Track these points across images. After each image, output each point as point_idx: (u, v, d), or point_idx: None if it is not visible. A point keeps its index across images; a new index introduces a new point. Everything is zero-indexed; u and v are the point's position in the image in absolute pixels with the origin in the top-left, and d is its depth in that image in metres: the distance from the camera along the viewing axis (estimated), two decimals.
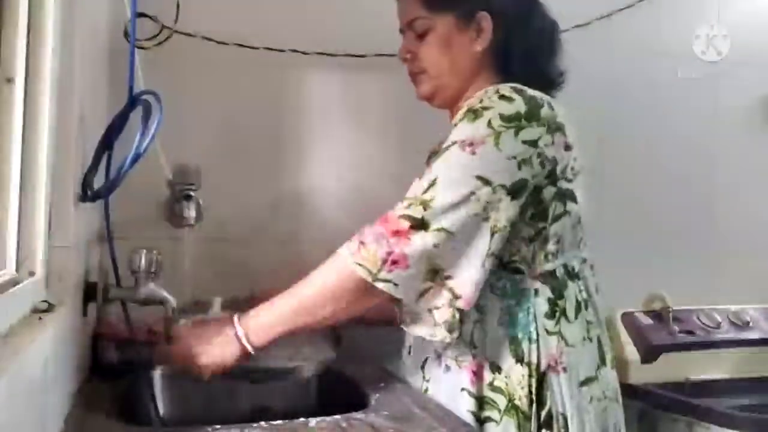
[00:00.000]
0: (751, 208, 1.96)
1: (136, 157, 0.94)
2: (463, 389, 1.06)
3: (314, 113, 1.61)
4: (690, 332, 1.79)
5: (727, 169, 1.96)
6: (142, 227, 1.43)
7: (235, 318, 1.03)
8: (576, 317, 1.08)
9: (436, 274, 0.98)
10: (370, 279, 0.97)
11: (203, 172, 1.48)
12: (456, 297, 0.98)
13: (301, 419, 0.95)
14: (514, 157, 1.00)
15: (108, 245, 1.07)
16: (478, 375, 1.05)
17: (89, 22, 1.06)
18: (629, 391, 1.57)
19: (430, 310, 1.00)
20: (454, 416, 1.01)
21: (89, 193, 0.98)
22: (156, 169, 1.36)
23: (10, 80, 0.75)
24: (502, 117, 1.01)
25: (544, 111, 1.04)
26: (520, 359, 1.05)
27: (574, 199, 1.08)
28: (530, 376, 1.04)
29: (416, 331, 1.05)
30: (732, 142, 1.96)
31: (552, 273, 1.08)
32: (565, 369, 1.05)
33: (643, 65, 1.85)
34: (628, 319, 1.80)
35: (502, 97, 1.04)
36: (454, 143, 1.02)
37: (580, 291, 1.10)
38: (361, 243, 0.99)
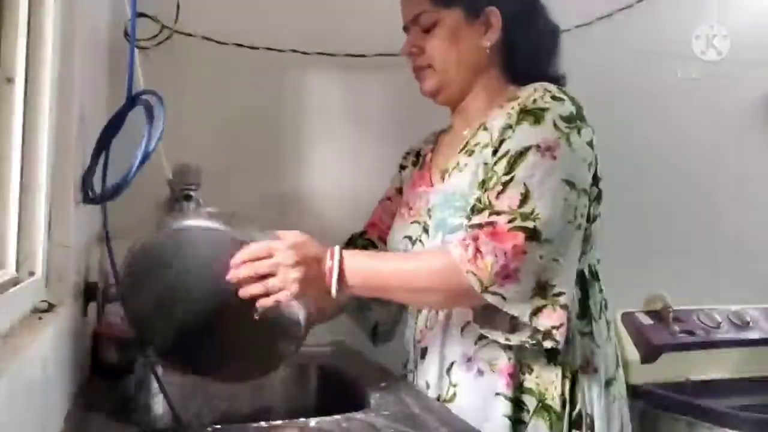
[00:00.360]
0: (752, 208, 1.97)
1: (144, 158, 0.93)
2: (498, 393, 1.03)
3: (314, 113, 1.61)
4: (690, 332, 1.79)
5: (727, 168, 1.96)
6: (142, 227, 1.43)
7: (336, 251, 0.98)
8: (600, 317, 1.09)
9: (544, 289, 0.96)
10: (479, 290, 0.94)
11: (203, 172, 1.48)
12: (567, 310, 0.96)
13: (301, 419, 0.95)
14: (585, 159, 1.01)
15: (108, 245, 1.06)
16: (513, 377, 1.03)
17: (89, 22, 1.06)
18: (630, 391, 1.56)
19: (549, 332, 0.95)
20: (454, 416, 1.00)
21: (91, 194, 0.98)
22: (156, 169, 1.36)
23: (10, 80, 0.75)
24: (563, 118, 1.00)
25: (585, 111, 1.04)
26: (553, 359, 1.03)
27: (600, 200, 1.08)
28: (564, 376, 1.03)
29: (491, 335, 1.02)
30: (732, 142, 1.97)
31: (581, 274, 1.07)
32: (596, 370, 1.06)
33: (643, 65, 1.85)
34: (628, 319, 1.80)
35: (554, 97, 1.02)
36: (527, 149, 0.99)
37: (600, 291, 1.11)
38: (478, 251, 0.95)
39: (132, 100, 1.00)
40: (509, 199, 0.97)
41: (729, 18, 1.94)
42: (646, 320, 1.80)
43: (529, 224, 0.95)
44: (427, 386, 1.11)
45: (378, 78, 1.61)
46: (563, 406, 1.02)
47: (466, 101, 1.14)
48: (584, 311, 1.07)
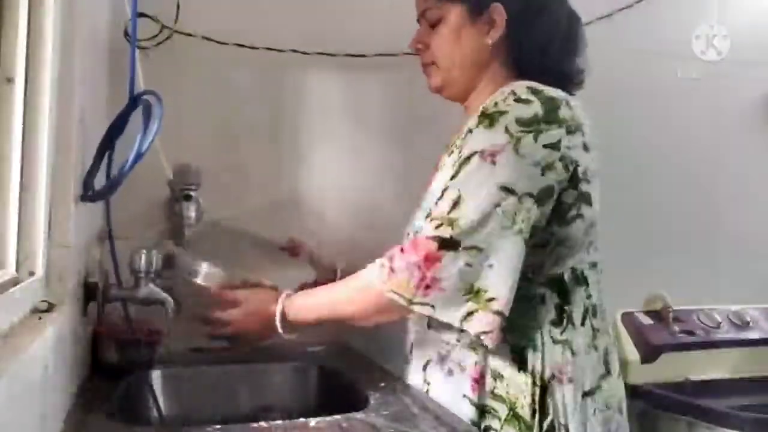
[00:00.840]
0: (752, 208, 1.97)
1: (138, 157, 0.94)
2: (464, 396, 1.03)
3: (314, 113, 1.61)
4: (690, 332, 1.79)
5: (727, 168, 1.96)
6: (142, 227, 1.43)
7: (282, 297, 1.11)
8: (582, 324, 1.04)
9: (477, 294, 0.94)
10: (406, 304, 0.96)
11: (203, 172, 1.48)
12: (504, 319, 0.95)
13: (301, 419, 0.95)
14: (538, 163, 0.97)
15: (108, 245, 1.07)
16: (479, 382, 1.02)
17: (89, 22, 1.06)
18: (630, 391, 1.57)
19: (478, 336, 0.96)
20: (453, 416, 1.00)
21: (90, 192, 0.98)
22: (156, 169, 1.36)
23: (10, 80, 0.75)
24: (519, 121, 0.98)
25: (563, 111, 1.00)
26: (523, 367, 1.01)
27: (589, 202, 1.04)
28: (534, 384, 1.00)
29: (463, 338, 1.03)
30: (732, 142, 1.97)
31: (560, 278, 1.04)
32: (570, 380, 1.01)
33: (643, 65, 1.85)
34: (628, 319, 1.80)
35: (518, 99, 1.00)
36: (473, 154, 0.98)
37: (588, 297, 1.06)
38: (391, 270, 0.97)
39: (134, 101, 1.00)
40: (444, 205, 0.97)
41: (729, 18, 1.94)
42: (646, 320, 1.80)
43: (446, 232, 0.95)
44: (412, 380, 1.15)
45: (378, 78, 1.61)
46: (533, 415, 0.99)
47: (471, 98, 1.13)
48: (561, 318, 1.03)
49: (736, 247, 1.94)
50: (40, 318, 0.78)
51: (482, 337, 0.95)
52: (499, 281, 0.95)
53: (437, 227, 0.96)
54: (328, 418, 0.95)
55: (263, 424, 0.93)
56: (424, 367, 1.10)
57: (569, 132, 1.00)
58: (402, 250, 0.98)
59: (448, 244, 0.95)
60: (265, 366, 1.33)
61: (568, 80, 1.12)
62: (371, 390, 1.10)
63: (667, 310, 1.81)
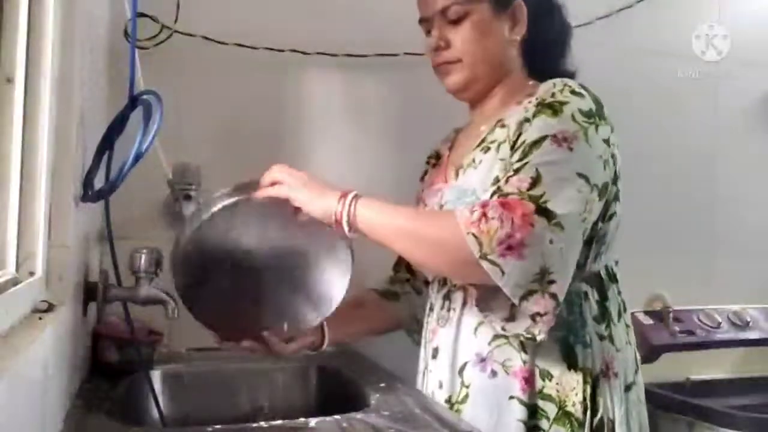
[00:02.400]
0: (752, 208, 1.97)
1: (137, 157, 0.94)
2: (512, 397, 1.00)
3: (314, 113, 1.61)
4: (690, 332, 1.79)
5: (727, 169, 1.96)
6: (142, 227, 1.43)
7: (351, 193, 0.99)
8: (619, 320, 1.06)
9: (543, 275, 0.89)
10: (477, 254, 0.88)
11: (203, 172, 1.48)
12: (558, 304, 0.91)
13: (301, 419, 0.95)
14: (601, 156, 0.97)
15: (108, 245, 1.06)
16: (529, 382, 1.00)
17: (89, 22, 1.06)
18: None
19: (533, 317, 0.91)
20: (454, 416, 1.00)
21: (90, 192, 0.98)
22: (156, 169, 1.36)
23: (10, 80, 0.75)
24: (582, 112, 0.97)
25: (605, 109, 1.02)
26: (573, 365, 1.00)
27: (619, 200, 1.06)
28: (585, 382, 1.00)
29: (511, 330, 0.97)
30: (732, 142, 1.97)
31: (598, 275, 1.05)
32: (616, 374, 1.03)
33: (643, 65, 1.85)
34: None
35: (574, 92, 1.00)
36: (544, 137, 0.95)
37: (619, 293, 1.08)
38: (484, 215, 0.89)
39: (134, 101, 1.00)
40: (518, 182, 0.92)
41: (729, 18, 1.94)
42: (646, 320, 1.80)
43: (539, 202, 0.89)
44: (440, 386, 1.08)
45: (378, 78, 1.60)
46: (584, 412, 0.99)
47: (486, 99, 1.13)
48: (603, 314, 1.04)
49: (736, 248, 1.94)
50: (40, 318, 0.78)
51: (537, 320, 0.91)
52: (563, 265, 0.91)
53: (521, 198, 0.90)
54: (328, 419, 0.95)
55: (263, 424, 0.93)
56: (460, 371, 1.05)
57: (612, 130, 1.02)
58: (495, 202, 0.90)
59: (544, 212, 0.89)
60: (265, 366, 1.32)
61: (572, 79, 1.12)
62: (371, 390, 1.10)
63: (667, 310, 1.81)
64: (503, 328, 0.98)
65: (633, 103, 1.83)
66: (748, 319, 1.85)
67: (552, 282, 0.90)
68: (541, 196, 0.90)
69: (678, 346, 1.76)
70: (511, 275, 0.88)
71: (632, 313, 1.79)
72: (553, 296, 0.90)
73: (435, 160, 1.26)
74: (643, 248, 1.80)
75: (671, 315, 1.80)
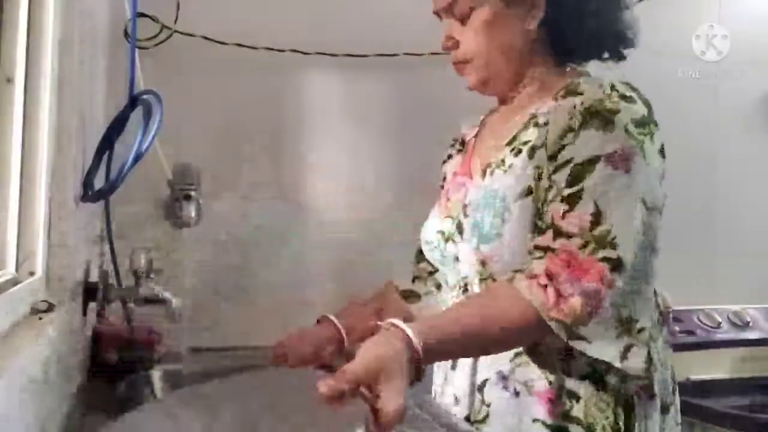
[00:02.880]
0: (751, 208, 1.97)
1: (137, 157, 0.94)
2: (535, 420, 0.90)
3: (314, 113, 1.61)
4: (690, 332, 1.79)
5: (727, 168, 1.96)
6: (142, 227, 1.43)
7: (395, 324, 0.78)
8: (658, 336, 0.97)
9: (629, 325, 0.82)
10: (566, 337, 0.81)
11: (203, 172, 1.48)
12: (654, 342, 0.85)
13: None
14: (657, 171, 0.90)
15: (108, 245, 1.07)
16: (554, 404, 0.90)
17: (89, 23, 1.06)
18: None
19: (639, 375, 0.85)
20: (453, 416, 1.00)
21: (90, 192, 0.98)
22: (156, 169, 1.36)
23: (10, 80, 0.75)
24: (635, 122, 0.87)
25: (653, 111, 0.93)
26: (603, 387, 0.90)
27: None
28: (616, 404, 0.90)
29: (593, 352, 0.84)
30: (732, 142, 1.96)
31: None
32: (653, 396, 0.93)
33: (643, 65, 1.84)
34: None
35: (623, 97, 0.90)
36: (596, 159, 0.85)
37: (657, 306, 0.98)
38: (560, 295, 0.81)
39: (133, 101, 1.00)
40: (579, 220, 0.84)
41: (729, 18, 1.94)
42: None
43: (611, 253, 0.82)
44: (456, 401, 1.00)
45: (378, 78, 1.60)
46: None
47: (517, 90, 1.01)
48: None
49: (736, 248, 1.94)
50: (40, 318, 0.78)
51: (639, 370, 0.84)
52: (645, 308, 0.84)
53: (585, 245, 0.82)
54: None
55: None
56: (480, 389, 0.96)
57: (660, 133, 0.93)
58: (564, 270, 0.82)
59: (618, 267, 0.81)
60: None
61: (623, 40, 1.03)
62: None
63: (667, 310, 1.81)
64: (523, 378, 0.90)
65: None
66: (748, 319, 1.85)
67: (642, 329, 0.84)
68: (607, 237, 0.82)
69: (678, 346, 1.76)
70: (597, 339, 0.82)
71: None
72: (646, 343, 0.84)
73: (461, 146, 1.13)
74: None
75: (671, 315, 1.80)
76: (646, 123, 0.89)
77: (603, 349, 0.82)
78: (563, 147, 0.88)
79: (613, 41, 0.99)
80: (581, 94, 0.92)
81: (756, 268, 1.93)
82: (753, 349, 1.85)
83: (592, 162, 0.85)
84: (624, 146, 0.86)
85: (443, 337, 0.79)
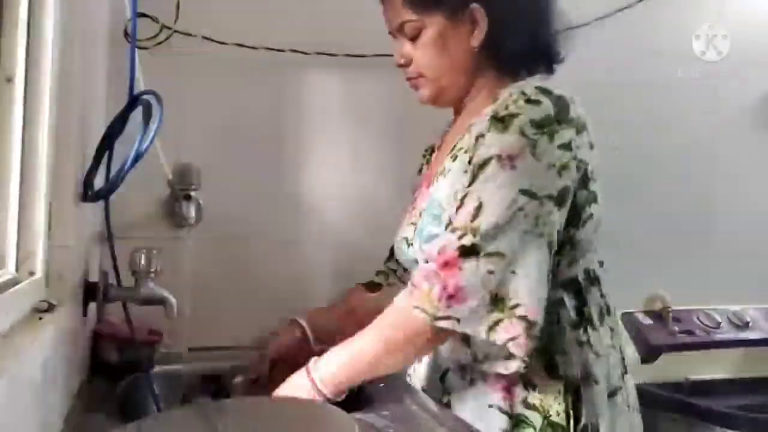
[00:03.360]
0: (752, 208, 1.97)
1: (137, 158, 0.94)
2: (491, 406, 1.00)
3: (314, 113, 1.61)
4: (690, 332, 1.79)
5: (727, 169, 1.96)
6: (142, 227, 1.43)
7: (310, 370, 0.97)
8: (601, 324, 1.04)
9: (502, 302, 0.91)
10: (429, 321, 0.91)
11: (203, 172, 1.48)
12: (531, 325, 0.90)
13: None
14: (553, 165, 0.95)
15: (108, 245, 1.07)
16: (510, 391, 1.00)
17: (89, 22, 1.06)
18: None
19: (505, 344, 0.91)
20: (453, 416, 1.00)
21: (90, 192, 0.98)
22: (156, 169, 1.36)
23: (10, 80, 0.76)
24: (533, 123, 0.95)
25: (572, 110, 0.98)
26: (554, 374, 0.99)
27: (596, 201, 1.03)
28: (566, 390, 0.99)
29: (492, 368, 0.99)
30: (732, 142, 1.96)
31: (574, 279, 1.03)
32: (596, 381, 1.01)
33: (643, 65, 1.85)
34: (628, 319, 1.80)
35: (529, 100, 0.97)
36: (490, 159, 0.95)
37: (602, 296, 1.06)
38: (413, 286, 0.94)
39: (134, 101, 1.00)
40: (466, 214, 0.94)
41: (729, 18, 1.94)
42: (646, 320, 1.80)
43: (467, 240, 0.91)
44: (423, 391, 1.09)
45: (378, 78, 1.60)
46: (568, 421, 0.98)
47: (465, 102, 1.12)
48: (580, 319, 1.02)
49: (736, 247, 1.94)
50: (40, 318, 0.78)
51: (510, 345, 0.91)
52: (524, 287, 0.91)
53: (461, 237, 0.92)
54: None
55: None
56: (442, 378, 1.07)
57: (578, 132, 0.99)
58: (420, 267, 0.95)
59: (468, 252, 0.91)
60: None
61: (550, 57, 1.10)
62: (371, 390, 1.10)
63: (667, 310, 1.81)
64: (506, 368, 0.97)
65: (633, 103, 1.83)
66: (748, 319, 1.85)
67: (516, 306, 0.91)
68: (478, 227, 0.92)
69: (678, 346, 1.76)
70: (466, 319, 0.90)
71: (632, 313, 1.81)
72: (523, 318, 0.90)
73: (429, 155, 1.26)
74: (643, 248, 1.81)
75: (671, 315, 1.80)
76: (546, 123, 0.96)
77: (472, 325, 0.91)
78: (475, 152, 0.99)
79: (545, 59, 1.09)
80: (497, 101, 1.02)
81: (756, 268, 1.93)
82: (753, 349, 1.85)
83: (485, 163, 0.96)
84: (514, 146, 0.94)
85: (351, 374, 0.96)
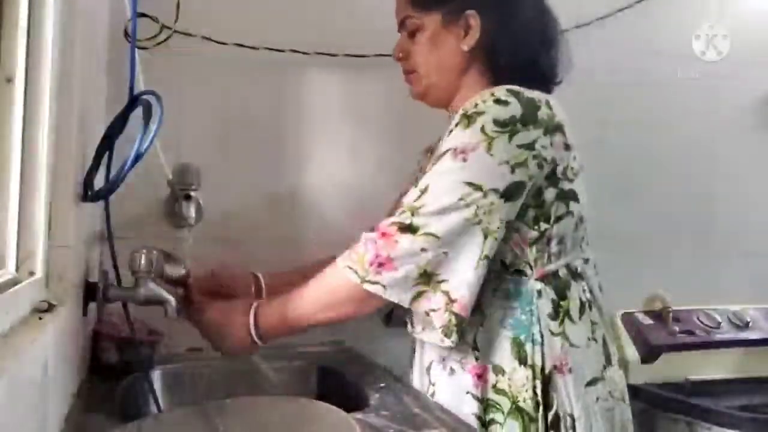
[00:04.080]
0: (751, 208, 1.97)
1: (137, 158, 0.94)
2: (467, 392, 1.05)
3: (314, 113, 1.61)
4: (690, 332, 1.79)
5: (727, 168, 1.96)
6: (142, 227, 1.43)
7: (252, 309, 1.06)
8: (580, 318, 1.08)
9: (429, 278, 0.99)
10: (359, 281, 0.99)
11: (203, 172, 1.48)
12: (451, 301, 0.98)
13: None
14: (507, 162, 1.00)
15: (108, 245, 1.06)
16: (481, 378, 1.05)
17: (89, 22, 1.06)
18: (630, 391, 1.57)
19: (427, 314, 1.00)
20: (454, 416, 1.00)
21: (90, 192, 0.98)
22: (156, 169, 1.36)
23: (10, 80, 0.75)
24: (496, 122, 1.01)
25: (542, 112, 1.03)
26: (523, 361, 1.04)
27: (576, 199, 1.08)
28: (534, 378, 1.03)
29: (426, 337, 1.07)
30: (732, 142, 1.97)
31: (555, 274, 1.07)
32: (570, 370, 1.04)
33: (643, 65, 1.85)
34: (628, 319, 1.80)
35: (498, 101, 1.03)
36: (447, 151, 1.02)
37: (584, 291, 1.10)
38: (353, 250, 1.02)
39: (133, 101, 1.00)
40: (412, 196, 1.02)
41: (729, 18, 1.94)
42: (646, 320, 1.80)
43: (407, 217, 0.99)
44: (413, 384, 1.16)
45: (378, 78, 1.60)
46: (536, 408, 1.02)
47: (454, 103, 1.15)
48: (557, 311, 1.06)
49: (736, 247, 1.94)
50: (40, 318, 0.78)
51: (431, 315, 0.99)
52: (453, 268, 0.98)
53: (401, 213, 1.01)
54: None
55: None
56: (428, 370, 1.12)
57: (547, 132, 1.03)
58: (364, 235, 1.03)
59: (405, 228, 0.99)
60: (266, 366, 1.32)
61: (546, 78, 1.14)
62: (371, 390, 1.10)
63: (667, 310, 1.81)
64: (442, 340, 1.01)
65: (633, 103, 1.83)
66: (748, 319, 1.85)
67: (443, 281, 0.99)
68: (419, 207, 0.99)
69: (678, 346, 1.76)
70: (392, 287, 0.98)
71: (632, 313, 1.81)
72: (446, 293, 0.98)
73: (430, 155, 1.28)
74: (643, 248, 1.81)
75: (671, 315, 1.80)
76: (510, 123, 1.01)
77: (396, 295, 0.99)
78: (442, 145, 1.06)
79: (541, 77, 1.12)
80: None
81: (756, 268, 1.93)
82: (753, 349, 1.85)
83: (443, 154, 1.03)
84: (470, 141, 1.01)
85: (284, 329, 1.06)
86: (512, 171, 1.00)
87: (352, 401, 1.08)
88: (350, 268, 1.00)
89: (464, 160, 1.00)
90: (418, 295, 0.99)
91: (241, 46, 1.51)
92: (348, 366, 1.30)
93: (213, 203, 1.51)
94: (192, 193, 1.47)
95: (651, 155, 1.86)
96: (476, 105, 1.04)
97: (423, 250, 0.98)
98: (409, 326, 1.14)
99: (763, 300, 1.91)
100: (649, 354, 1.74)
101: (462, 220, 0.98)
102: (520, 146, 1.01)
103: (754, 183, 1.99)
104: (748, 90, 1.98)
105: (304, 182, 1.60)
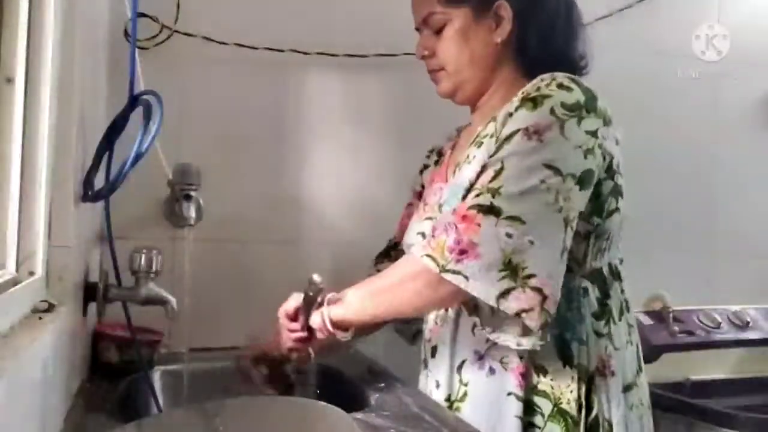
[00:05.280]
0: (751, 208, 1.97)
1: (137, 158, 0.94)
2: (510, 393, 1.00)
3: (314, 113, 1.61)
4: (690, 332, 1.79)
5: (727, 168, 1.96)
6: (142, 227, 1.43)
7: (324, 308, 1.04)
8: (620, 319, 1.05)
9: (515, 272, 0.88)
10: (438, 270, 0.90)
11: (203, 172, 1.48)
12: (544, 297, 0.89)
13: None
14: (580, 146, 0.95)
15: (108, 245, 1.06)
16: (525, 378, 1.00)
17: (89, 23, 1.06)
18: None
19: (518, 315, 0.89)
20: (454, 416, 1.00)
21: (90, 193, 0.98)
22: (156, 169, 1.36)
23: (10, 80, 0.75)
24: (564, 105, 0.95)
25: (600, 103, 0.99)
26: (568, 362, 0.99)
27: (622, 195, 1.05)
28: (579, 379, 0.99)
29: (501, 339, 0.96)
30: (732, 142, 1.96)
31: (599, 271, 1.04)
32: (613, 373, 1.01)
33: (643, 65, 1.85)
34: None
35: (561, 86, 0.98)
36: (516, 131, 0.95)
37: (622, 291, 1.07)
38: (432, 235, 0.93)
39: (134, 101, 1.00)
40: (485, 177, 0.95)
41: (729, 18, 1.94)
42: (646, 320, 1.80)
43: (487, 198, 0.91)
44: (437, 385, 1.08)
45: (378, 78, 1.60)
46: (579, 410, 0.98)
47: (483, 100, 1.12)
48: (603, 311, 1.03)
49: (736, 247, 1.94)
50: (40, 318, 0.78)
51: (523, 317, 0.89)
52: (540, 259, 0.89)
53: (477, 195, 0.93)
54: None
55: None
56: (458, 369, 1.06)
57: (605, 124, 0.99)
58: (442, 218, 0.95)
59: (488, 210, 0.90)
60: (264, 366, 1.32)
61: (576, 66, 1.11)
62: (371, 390, 1.10)
63: (667, 310, 1.81)
64: (519, 344, 0.95)
65: (633, 103, 1.83)
66: (748, 319, 1.85)
67: (530, 276, 0.89)
68: (498, 188, 0.91)
69: (678, 346, 1.76)
70: (475, 277, 0.88)
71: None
72: (538, 290, 0.88)
73: (437, 157, 1.26)
74: (643, 248, 1.80)
75: (671, 315, 1.80)
76: (577, 108, 0.96)
77: (480, 287, 0.89)
78: (503, 130, 0.98)
79: (564, 68, 1.06)
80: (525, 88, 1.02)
81: (756, 268, 1.93)
82: (753, 349, 1.85)
83: (511, 135, 0.96)
84: (543, 122, 0.94)
85: (359, 318, 1.01)
86: (585, 157, 0.95)
87: (352, 401, 1.08)
88: (429, 256, 0.91)
89: (540, 140, 0.93)
90: (506, 293, 0.88)
91: (241, 46, 1.51)
92: (348, 366, 1.30)
93: (213, 203, 1.51)
94: (192, 193, 1.46)
95: (651, 155, 1.85)
96: (538, 88, 0.98)
97: (508, 235, 0.88)
98: (476, 327, 1.03)
99: (763, 300, 1.91)
100: (650, 354, 1.74)
101: (543, 205, 0.91)
102: (588, 132, 0.96)
103: (754, 183, 1.99)
104: (748, 90, 1.98)
105: (305, 182, 1.60)
